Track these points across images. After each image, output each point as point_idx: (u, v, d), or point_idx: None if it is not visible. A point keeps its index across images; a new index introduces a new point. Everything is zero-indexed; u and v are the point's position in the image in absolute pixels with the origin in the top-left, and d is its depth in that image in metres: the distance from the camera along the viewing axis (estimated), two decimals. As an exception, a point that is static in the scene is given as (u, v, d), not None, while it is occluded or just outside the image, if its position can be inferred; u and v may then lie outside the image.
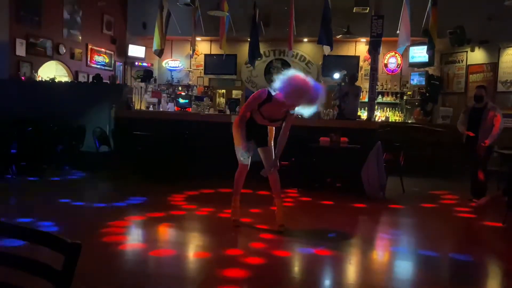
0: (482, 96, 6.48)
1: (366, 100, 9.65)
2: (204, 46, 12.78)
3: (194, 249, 4.06)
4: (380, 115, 11.31)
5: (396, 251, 4.30)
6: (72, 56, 10.45)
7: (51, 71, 10.08)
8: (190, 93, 12.24)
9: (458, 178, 7.83)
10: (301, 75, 4.11)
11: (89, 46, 11.03)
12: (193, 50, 11.14)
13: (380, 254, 4.22)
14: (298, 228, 4.72)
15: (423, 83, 11.08)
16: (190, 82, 12.79)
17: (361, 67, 12.01)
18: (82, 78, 10.59)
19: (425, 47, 9.32)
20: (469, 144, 6.49)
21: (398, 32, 8.37)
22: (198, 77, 12.87)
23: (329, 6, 8.86)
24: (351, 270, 3.67)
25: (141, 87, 11.04)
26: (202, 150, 7.33)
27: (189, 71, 12.90)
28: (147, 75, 10.89)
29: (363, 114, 10.38)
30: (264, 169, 4.40)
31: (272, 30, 11.26)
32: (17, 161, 7.08)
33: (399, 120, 11.20)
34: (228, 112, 9.65)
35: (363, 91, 9.99)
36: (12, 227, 1.43)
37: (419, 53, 10.85)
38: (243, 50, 11.44)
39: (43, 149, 7.56)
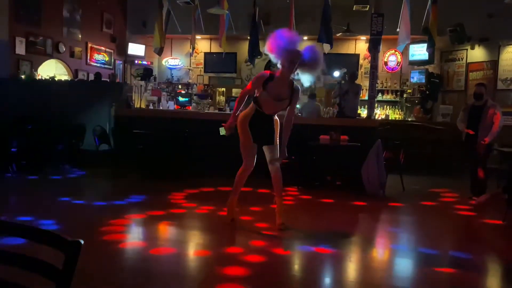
0: (481, 94, 6.48)
1: (366, 98, 9.65)
2: (204, 44, 12.77)
3: (194, 247, 4.06)
4: (380, 113, 11.31)
5: (396, 249, 4.30)
6: (72, 54, 10.45)
7: (51, 69, 10.08)
8: (190, 92, 12.25)
9: (458, 176, 7.84)
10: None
11: (89, 45, 11.02)
12: (193, 49, 11.13)
13: (380, 252, 4.22)
14: (298, 226, 4.72)
15: (423, 81, 11.08)
16: (190, 81, 12.79)
17: (361, 65, 12.01)
18: (82, 77, 10.59)
19: (425, 45, 9.31)
20: (468, 142, 6.49)
21: (398, 30, 8.36)
22: (198, 75, 12.87)
23: (329, 4, 8.84)
24: (351, 268, 3.68)
25: (141, 86, 11.03)
26: (202, 149, 7.34)
27: (189, 69, 12.89)
28: (147, 73, 10.89)
29: (363, 112, 10.38)
30: (275, 157, 4.37)
31: (272, 28, 11.15)
32: (17, 159, 7.08)
33: (399, 118, 11.20)
34: (228, 110, 9.65)
35: (363, 89, 10.00)
36: (12, 226, 1.43)
37: (419, 51, 10.85)
38: (243, 48, 11.43)
39: (43, 148, 7.56)
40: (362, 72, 11.90)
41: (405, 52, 10.94)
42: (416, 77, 11.37)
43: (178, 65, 12.82)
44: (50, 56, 9.81)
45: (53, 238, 1.35)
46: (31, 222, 4.42)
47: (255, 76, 4.35)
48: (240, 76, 12.58)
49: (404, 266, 3.82)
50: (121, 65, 12.42)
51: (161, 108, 10.06)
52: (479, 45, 10.24)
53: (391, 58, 11.81)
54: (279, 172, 4.42)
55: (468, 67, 10.55)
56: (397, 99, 11.78)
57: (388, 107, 11.62)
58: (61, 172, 7.42)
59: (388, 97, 11.84)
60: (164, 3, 9.85)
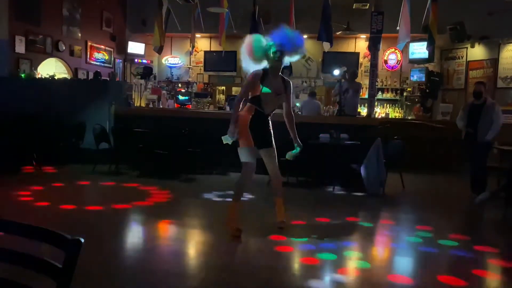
0: (481, 92, 6.48)
1: (366, 96, 9.66)
2: (203, 43, 12.77)
3: (194, 245, 4.07)
4: (380, 112, 11.31)
5: (396, 246, 4.31)
6: (72, 53, 10.44)
7: (51, 68, 10.07)
8: (190, 90, 12.25)
9: (457, 174, 7.85)
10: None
11: (89, 43, 11.01)
12: (193, 47, 11.13)
13: (380, 250, 4.22)
14: (298, 225, 4.72)
15: (423, 79, 11.08)
16: (190, 79, 12.79)
17: (361, 64, 12.00)
18: (81, 75, 10.59)
19: (425, 43, 9.31)
20: (468, 140, 6.50)
21: (398, 28, 8.37)
22: (197, 74, 12.87)
23: (329, 3, 8.85)
24: (351, 266, 3.68)
25: (141, 84, 11.04)
26: (202, 147, 7.34)
27: (189, 68, 12.89)
28: (146, 72, 10.89)
29: (363, 111, 10.38)
30: (290, 152, 4.35)
31: (272, 27, 11.18)
32: (18, 157, 7.09)
33: (399, 116, 11.21)
34: (228, 109, 9.65)
35: (363, 88, 10.00)
36: (12, 224, 1.43)
37: (419, 49, 10.84)
38: (243, 47, 11.41)
39: (43, 146, 7.57)
40: (362, 70, 11.90)
41: (405, 51, 10.95)
42: (416, 76, 11.38)
43: (178, 63, 12.82)
44: (50, 55, 9.81)
45: (54, 236, 1.35)
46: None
47: (249, 77, 4.23)
48: (240, 74, 12.57)
49: (404, 264, 3.83)
50: (121, 63, 12.42)
51: (161, 106, 10.06)
52: (479, 43, 10.23)
53: (391, 56, 11.81)
54: (280, 177, 4.40)
55: (468, 65, 10.55)
56: (397, 97, 11.78)
57: (388, 105, 11.63)
58: (61, 171, 7.42)
59: (388, 95, 11.85)
60: (163, 1, 9.85)
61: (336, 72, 8.38)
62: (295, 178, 6.92)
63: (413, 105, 11.24)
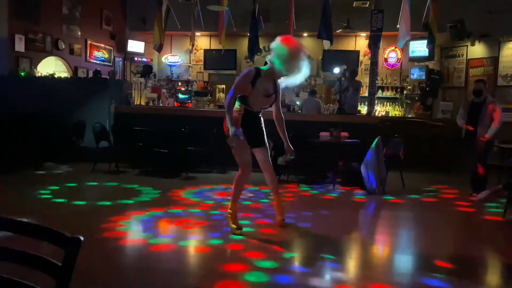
0: (481, 90, 6.47)
1: (366, 94, 9.66)
2: (203, 41, 12.76)
3: (194, 244, 4.06)
4: (380, 110, 11.30)
5: (396, 245, 4.31)
6: (71, 51, 10.43)
7: (51, 66, 10.07)
8: (189, 89, 12.24)
9: (458, 172, 7.84)
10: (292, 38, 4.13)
11: (88, 42, 11.00)
12: (193, 45, 11.12)
13: (380, 249, 4.22)
14: (298, 223, 4.72)
15: (423, 77, 11.07)
16: (190, 78, 12.78)
17: (361, 62, 11.99)
18: (81, 74, 10.57)
19: (425, 41, 9.31)
20: (468, 138, 6.49)
21: (398, 26, 8.36)
22: (197, 72, 12.86)
23: (329, 1, 8.84)
24: (351, 265, 3.68)
25: (141, 83, 11.04)
26: (201, 146, 7.34)
27: (189, 66, 12.88)
28: (146, 70, 10.88)
29: (363, 109, 10.38)
30: (281, 157, 4.31)
31: (272, 25, 11.23)
32: (17, 156, 7.08)
33: (399, 114, 11.20)
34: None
35: (363, 86, 10.00)
36: (12, 222, 1.43)
37: (419, 48, 10.83)
38: (243, 45, 11.41)
39: (43, 145, 7.56)
40: (362, 68, 11.89)
41: (405, 49, 10.93)
42: (416, 74, 11.36)
43: (178, 62, 12.80)
44: (50, 53, 9.79)
45: (53, 234, 1.35)
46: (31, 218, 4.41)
47: (240, 76, 4.16)
48: (240, 73, 12.56)
49: (404, 262, 3.83)
50: (120, 62, 12.40)
51: (160, 105, 10.05)
52: (479, 41, 10.22)
53: (391, 54, 11.79)
54: (273, 174, 4.36)
55: (468, 64, 10.53)
56: (397, 95, 11.77)
57: (388, 103, 11.61)
58: (61, 169, 7.42)
59: (388, 93, 11.84)
60: (163, 0, 9.84)
61: (336, 70, 8.38)
62: (295, 177, 6.92)
63: (413, 103, 11.23)
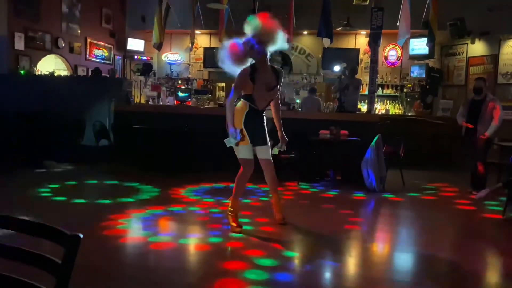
0: (481, 88, 6.47)
1: (366, 93, 9.65)
2: (203, 39, 12.74)
3: (194, 241, 4.07)
4: (380, 108, 11.30)
5: (395, 243, 4.31)
6: (71, 50, 10.42)
7: (50, 65, 10.06)
8: (189, 87, 12.23)
9: (458, 171, 7.84)
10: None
11: (88, 40, 10.99)
12: (193, 43, 11.11)
13: (380, 247, 4.22)
14: (298, 221, 4.72)
15: (423, 75, 11.06)
16: (190, 76, 12.77)
17: (361, 60, 11.98)
18: (81, 72, 10.57)
19: (425, 39, 9.29)
20: (468, 136, 6.49)
21: (398, 24, 8.34)
22: (197, 70, 12.85)
23: (329, -1, 8.81)
24: (351, 263, 3.69)
25: (141, 81, 11.03)
26: (201, 144, 7.33)
27: (189, 64, 12.87)
28: (146, 68, 10.87)
29: (363, 107, 10.37)
30: (276, 146, 4.32)
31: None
32: (17, 155, 7.08)
33: (399, 112, 11.19)
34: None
35: (363, 84, 9.98)
36: (11, 219, 1.43)
37: (419, 46, 10.82)
38: (243, 43, 11.38)
39: (43, 143, 7.56)
40: (362, 66, 11.88)
41: (405, 47, 10.91)
42: (416, 72, 11.35)
43: (178, 60, 12.79)
44: (49, 52, 9.79)
45: (53, 231, 1.35)
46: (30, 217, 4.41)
47: (237, 77, 4.20)
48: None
49: (404, 260, 3.83)
50: (120, 60, 12.39)
51: (160, 103, 10.05)
52: (479, 39, 10.20)
53: (391, 52, 11.78)
54: (273, 171, 4.34)
55: (469, 62, 10.53)
56: (397, 93, 11.76)
57: (388, 101, 11.60)
58: (61, 168, 7.41)
59: (388, 91, 11.82)
60: (163, -2, 9.84)
61: (336, 68, 8.37)
62: (295, 175, 6.92)
63: (413, 101, 11.22)
